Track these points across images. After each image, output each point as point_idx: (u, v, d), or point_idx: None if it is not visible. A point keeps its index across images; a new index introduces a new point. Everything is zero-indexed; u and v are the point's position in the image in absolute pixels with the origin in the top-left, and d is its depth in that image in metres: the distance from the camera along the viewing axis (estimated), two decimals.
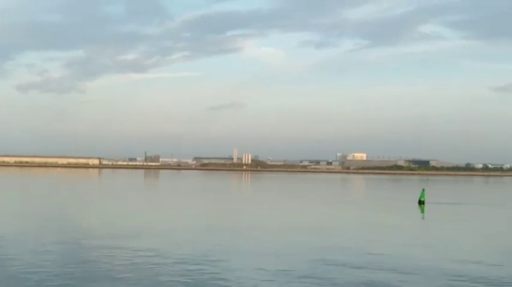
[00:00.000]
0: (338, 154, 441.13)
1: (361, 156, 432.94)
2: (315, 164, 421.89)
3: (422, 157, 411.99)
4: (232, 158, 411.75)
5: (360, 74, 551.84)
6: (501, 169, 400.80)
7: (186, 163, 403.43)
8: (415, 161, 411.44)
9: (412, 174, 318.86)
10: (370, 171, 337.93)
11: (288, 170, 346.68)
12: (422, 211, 55.15)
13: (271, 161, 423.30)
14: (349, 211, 56.11)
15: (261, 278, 20.18)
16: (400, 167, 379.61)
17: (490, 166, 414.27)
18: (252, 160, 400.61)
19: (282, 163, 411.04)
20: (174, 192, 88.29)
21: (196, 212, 50.21)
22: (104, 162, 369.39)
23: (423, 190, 63.53)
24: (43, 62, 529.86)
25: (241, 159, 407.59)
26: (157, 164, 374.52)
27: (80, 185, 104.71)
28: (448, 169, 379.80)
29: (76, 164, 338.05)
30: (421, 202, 61.05)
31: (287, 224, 40.16)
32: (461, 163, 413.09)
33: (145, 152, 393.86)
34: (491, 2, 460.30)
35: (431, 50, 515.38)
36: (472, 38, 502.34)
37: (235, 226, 38.55)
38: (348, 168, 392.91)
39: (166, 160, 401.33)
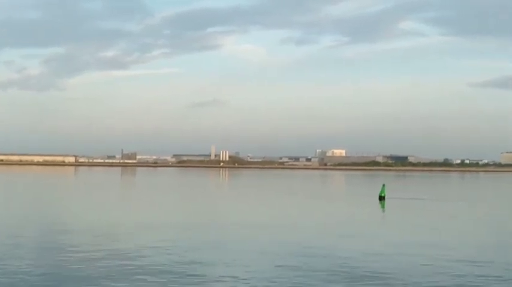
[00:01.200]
0: (317, 150, 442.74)
1: (340, 152, 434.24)
2: (293, 161, 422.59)
3: (401, 152, 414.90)
4: (216, 155, 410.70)
5: (340, 70, 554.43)
6: (477, 165, 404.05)
7: (165, 160, 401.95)
8: (393, 157, 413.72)
9: (389, 170, 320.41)
10: (347, 167, 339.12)
11: (265, 167, 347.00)
12: (383, 206, 56.13)
13: (250, 158, 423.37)
14: (309, 206, 56.91)
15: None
16: (377, 163, 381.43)
17: (467, 161, 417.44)
18: (229, 157, 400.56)
19: (261, 160, 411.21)
20: (144, 189, 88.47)
21: (159, 209, 50.41)
22: (81, 159, 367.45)
23: (383, 185, 64.26)
24: (22, 59, 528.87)
25: (219, 156, 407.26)
26: (134, 161, 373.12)
27: (50, 183, 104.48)
28: (425, 164, 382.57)
29: (52, 161, 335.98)
30: (381, 198, 61.81)
31: (239, 220, 40.81)
32: (440, 158, 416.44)
33: (122, 150, 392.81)
34: None
35: (410, 47, 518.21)
36: (451, 35, 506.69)
37: (187, 222, 39.10)
38: (326, 164, 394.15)
39: (146, 157, 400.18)
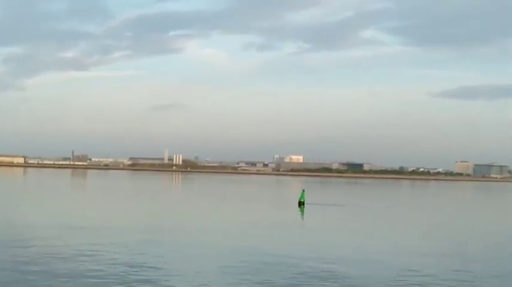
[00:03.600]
0: (275, 156, 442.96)
1: (297, 158, 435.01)
2: (250, 166, 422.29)
3: (358, 160, 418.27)
4: (170, 158, 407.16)
5: (301, 77, 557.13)
6: (428, 173, 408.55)
7: (122, 162, 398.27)
8: (349, 164, 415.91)
9: (341, 177, 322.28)
10: (300, 173, 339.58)
11: (218, 171, 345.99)
12: (302, 211, 56.51)
13: (208, 162, 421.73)
14: (229, 212, 56.73)
15: None
16: (329, 170, 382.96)
17: (422, 169, 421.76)
18: (182, 161, 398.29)
19: (217, 164, 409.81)
20: (82, 192, 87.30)
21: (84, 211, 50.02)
22: (31, 161, 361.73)
23: (303, 191, 64.47)
24: None
25: (172, 159, 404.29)
26: (84, 163, 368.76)
27: None
28: (376, 172, 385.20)
29: (0, 162, 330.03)
30: (300, 203, 61.68)
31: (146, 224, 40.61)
32: (395, 166, 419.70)
33: (73, 151, 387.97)
34: (429, 8, 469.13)
35: (371, 55, 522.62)
36: (410, 44, 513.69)
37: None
38: (278, 170, 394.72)
39: (102, 159, 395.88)
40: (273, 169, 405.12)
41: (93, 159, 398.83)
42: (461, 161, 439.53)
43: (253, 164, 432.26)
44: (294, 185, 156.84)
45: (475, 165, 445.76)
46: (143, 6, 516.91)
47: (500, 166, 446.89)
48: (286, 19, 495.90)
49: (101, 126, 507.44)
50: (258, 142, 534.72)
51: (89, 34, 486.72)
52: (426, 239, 37.38)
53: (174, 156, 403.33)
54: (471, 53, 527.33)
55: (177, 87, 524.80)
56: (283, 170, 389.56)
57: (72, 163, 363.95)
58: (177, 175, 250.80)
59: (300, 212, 55.80)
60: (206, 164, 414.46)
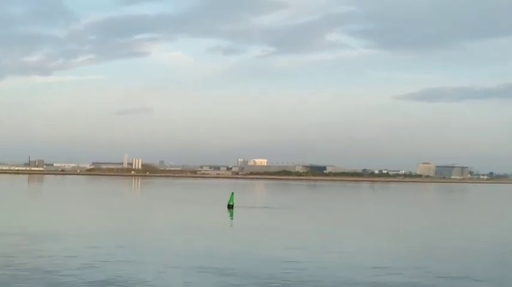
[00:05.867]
0: (239, 160, 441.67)
1: (261, 162, 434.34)
2: (213, 170, 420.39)
3: (323, 162, 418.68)
4: (130, 163, 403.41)
5: (267, 80, 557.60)
6: (388, 175, 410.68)
7: (83, 167, 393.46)
8: (312, 167, 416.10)
9: (300, 179, 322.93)
10: (260, 176, 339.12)
11: (177, 175, 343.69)
12: (231, 214, 56.70)
13: (172, 167, 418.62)
14: (157, 214, 57.66)
15: None
16: (288, 173, 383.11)
17: (385, 171, 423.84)
18: (142, 165, 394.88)
19: (179, 168, 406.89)
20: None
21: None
22: None
23: (232, 194, 63.78)
24: None
25: (131, 164, 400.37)
26: (41, 169, 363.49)
27: None
28: (335, 174, 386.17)
29: None
30: (230, 206, 61.08)
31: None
32: (359, 168, 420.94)
33: (29, 157, 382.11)
34: (393, 12, 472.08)
35: (336, 58, 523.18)
36: (375, 47, 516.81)
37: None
38: (238, 173, 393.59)
39: (64, 164, 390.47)
40: (232, 173, 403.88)
41: (55, 164, 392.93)
42: (423, 163, 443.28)
43: (217, 167, 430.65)
44: (247, 189, 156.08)
45: (437, 166, 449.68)
46: (108, 10, 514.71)
47: (462, 167, 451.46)
48: (252, 22, 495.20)
49: (64, 132, 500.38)
50: (222, 146, 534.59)
51: (52, 38, 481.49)
52: (329, 237, 38.50)
53: (134, 161, 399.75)
54: (435, 56, 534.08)
55: (142, 92, 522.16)
56: (243, 173, 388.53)
57: (29, 168, 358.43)
58: (134, 180, 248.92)
59: (228, 215, 56.05)
60: (168, 169, 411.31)
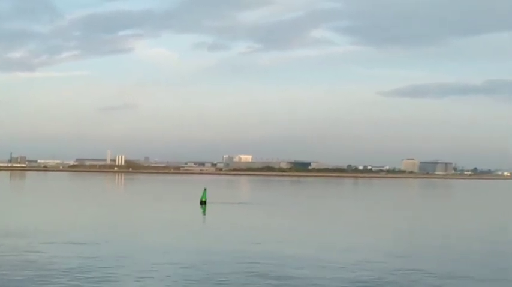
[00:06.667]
0: (224, 156, 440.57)
1: (246, 158, 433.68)
2: (198, 166, 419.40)
3: (307, 159, 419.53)
4: (113, 159, 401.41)
5: (252, 77, 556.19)
6: (371, 171, 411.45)
7: (67, 164, 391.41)
8: (296, 163, 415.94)
9: (283, 175, 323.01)
10: (242, 173, 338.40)
11: (160, 171, 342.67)
12: (204, 210, 56.04)
13: (156, 163, 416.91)
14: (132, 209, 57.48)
15: None
16: (271, 169, 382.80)
17: (370, 167, 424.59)
18: (125, 161, 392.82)
19: (164, 165, 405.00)
20: None
21: None
22: None
23: (205, 190, 63.29)
24: None
25: (115, 160, 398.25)
26: (23, 165, 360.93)
27: None
28: (319, 170, 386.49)
29: None
30: (202, 202, 60.77)
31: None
32: (344, 164, 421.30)
33: (11, 153, 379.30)
34: (378, 8, 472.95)
35: (322, 55, 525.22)
36: (361, 44, 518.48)
37: None
38: (221, 169, 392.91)
39: (48, 161, 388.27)
40: (216, 169, 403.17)
41: (38, 161, 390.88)
42: (407, 159, 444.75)
43: (202, 163, 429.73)
44: (227, 185, 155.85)
45: (421, 162, 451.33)
46: (92, 6, 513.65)
47: (446, 163, 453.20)
48: (237, 19, 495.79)
49: (48, 128, 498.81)
50: (208, 142, 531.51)
51: (36, 34, 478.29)
52: (295, 232, 38.79)
53: (117, 157, 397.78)
54: (421, 52, 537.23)
55: (126, 88, 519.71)
56: (227, 169, 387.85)
57: (10, 164, 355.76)
58: (117, 176, 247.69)
59: (201, 211, 55.48)
60: (153, 165, 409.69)
